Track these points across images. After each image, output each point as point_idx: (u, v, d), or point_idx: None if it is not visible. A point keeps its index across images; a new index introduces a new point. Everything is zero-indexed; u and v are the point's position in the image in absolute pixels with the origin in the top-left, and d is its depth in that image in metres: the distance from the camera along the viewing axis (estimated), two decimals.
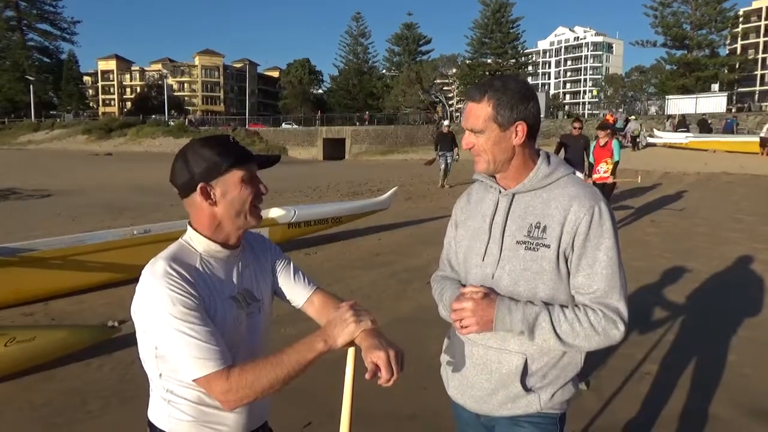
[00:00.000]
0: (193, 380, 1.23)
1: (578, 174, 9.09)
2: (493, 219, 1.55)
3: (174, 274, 1.25)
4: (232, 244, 1.39)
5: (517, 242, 1.49)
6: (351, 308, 1.32)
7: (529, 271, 1.47)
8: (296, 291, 1.55)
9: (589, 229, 1.44)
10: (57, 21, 73.48)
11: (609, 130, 8.76)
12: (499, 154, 1.50)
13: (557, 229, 1.45)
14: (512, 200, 1.53)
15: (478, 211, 1.62)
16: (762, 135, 21.13)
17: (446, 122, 16.27)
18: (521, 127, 1.48)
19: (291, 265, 1.58)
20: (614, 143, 8.56)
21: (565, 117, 49.04)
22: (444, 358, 1.72)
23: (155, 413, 1.38)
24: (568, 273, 1.47)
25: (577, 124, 9.64)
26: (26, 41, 71.84)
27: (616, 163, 8.53)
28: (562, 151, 9.50)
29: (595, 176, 8.46)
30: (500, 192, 1.56)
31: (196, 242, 1.36)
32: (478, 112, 1.48)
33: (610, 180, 8.51)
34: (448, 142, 14.74)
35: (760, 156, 20.35)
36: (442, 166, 14.83)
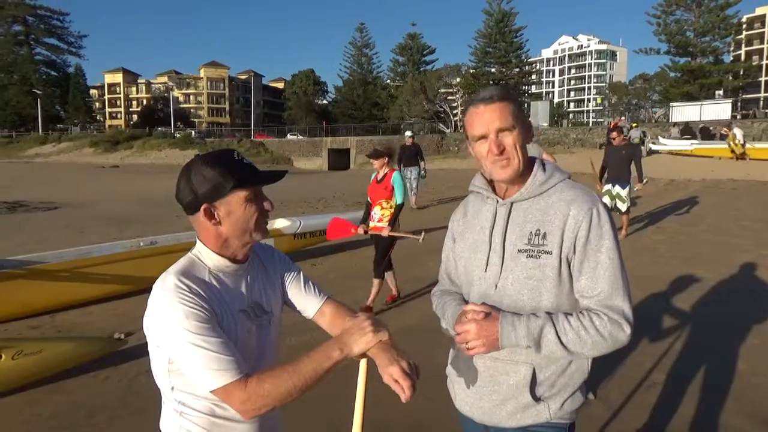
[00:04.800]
0: (211, 391, 1.23)
1: (618, 188, 8.60)
2: (492, 229, 1.55)
3: (185, 288, 1.26)
4: (239, 259, 1.40)
5: (519, 251, 1.48)
6: (369, 318, 1.32)
7: (532, 279, 1.46)
8: (307, 301, 1.55)
9: (589, 232, 1.43)
10: (64, 35, 74.43)
11: (386, 158, 5.61)
12: (522, 155, 1.50)
13: (557, 235, 1.45)
14: (510, 209, 1.53)
15: (476, 222, 1.61)
16: (739, 141, 21.55)
17: (408, 134, 13.90)
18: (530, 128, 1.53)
19: (301, 275, 1.58)
20: (395, 177, 5.50)
21: (569, 125, 49.03)
22: (450, 370, 1.71)
23: (167, 425, 1.39)
24: (571, 278, 1.47)
25: (614, 134, 9.02)
26: (34, 55, 72.69)
27: (398, 208, 5.48)
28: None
29: (371, 224, 5.56)
30: (498, 202, 1.56)
31: (206, 257, 1.37)
32: (506, 109, 1.46)
33: (386, 233, 5.40)
34: (412, 155, 12.94)
35: (735, 161, 20.97)
36: (413, 185, 12.87)
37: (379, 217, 5.49)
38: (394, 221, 5.47)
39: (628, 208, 8.84)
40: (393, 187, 5.48)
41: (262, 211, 1.37)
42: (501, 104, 1.46)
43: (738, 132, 21.76)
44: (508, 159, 1.48)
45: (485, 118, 1.47)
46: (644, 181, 9.18)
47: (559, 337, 1.40)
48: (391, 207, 5.50)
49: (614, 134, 9.11)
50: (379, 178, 5.61)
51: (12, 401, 3.70)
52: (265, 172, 1.39)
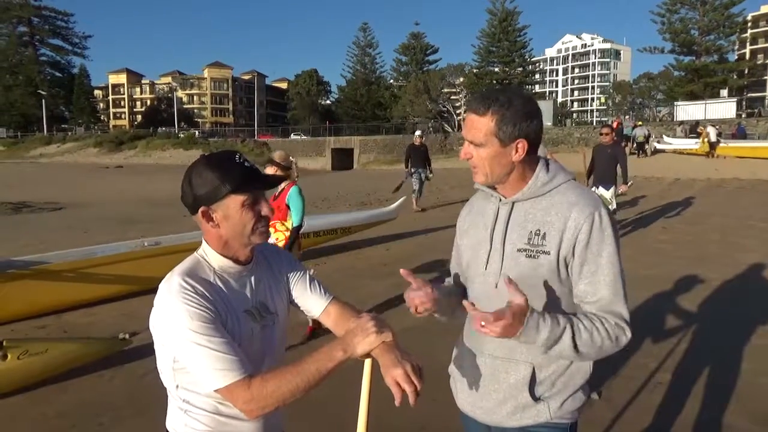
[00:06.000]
0: (215, 391, 1.24)
1: (602, 189, 8.05)
2: (494, 228, 1.55)
3: (189, 288, 1.27)
4: (242, 260, 1.40)
5: (518, 250, 1.48)
6: (373, 318, 1.32)
7: (530, 278, 1.46)
8: (312, 301, 1.55)
9: (589, 236, 1.43)
10: (69, 36, 74.93)
11: (276, 167, 4.59)
12: (496, 169, 1.49)
13: (557, 236, 1.44)
14: (512, 208, 1.53)
15: (480, 220, 1.62)
16: (712, 140, 22.23)
17: (418, 133, 13.55)
18: (522, 145, 1.46)
19: (307, 275, 1.58)
20: (291, 193, 4.65)
21: (573, 125, 48.90)
22: (453, 369, 1.72)
23: (172, 423, 1.40)
24: (569, 279, 1.47)
25: (605, 130, 8.54)
26: (39, 56, 73.18)
27: (294, 230, 4.61)
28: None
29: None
30: (500, 201, 1.56)
31: (211, 257, 1.38)
32: (480, 125, 1.46)
33: None
34: (420, 156, 12.67)
35: (708, 159, 21.64)
36: (416, 186, 12.63)
37: (273, 241, 4.47)
38: (291, 245, 4.53)
39: (614, 211, 8.31)
40: (289, 204, 4.61)
41: (259, 216, 1.36)
42: (482, 119, 1.46)
43: (711, 131, 22.55)
44: (476, 167, 1.52)
45: (467, 126, 1.51)
46: (629, 183, 8.70)
47: (574, 340, 1.39)
48: (287, 229, 4.63)
49: (605, 130, 8.55)
50: (276, 195, 4.70)
51: (18, 401, 3.72)
52: (265, 176, 1.39)
